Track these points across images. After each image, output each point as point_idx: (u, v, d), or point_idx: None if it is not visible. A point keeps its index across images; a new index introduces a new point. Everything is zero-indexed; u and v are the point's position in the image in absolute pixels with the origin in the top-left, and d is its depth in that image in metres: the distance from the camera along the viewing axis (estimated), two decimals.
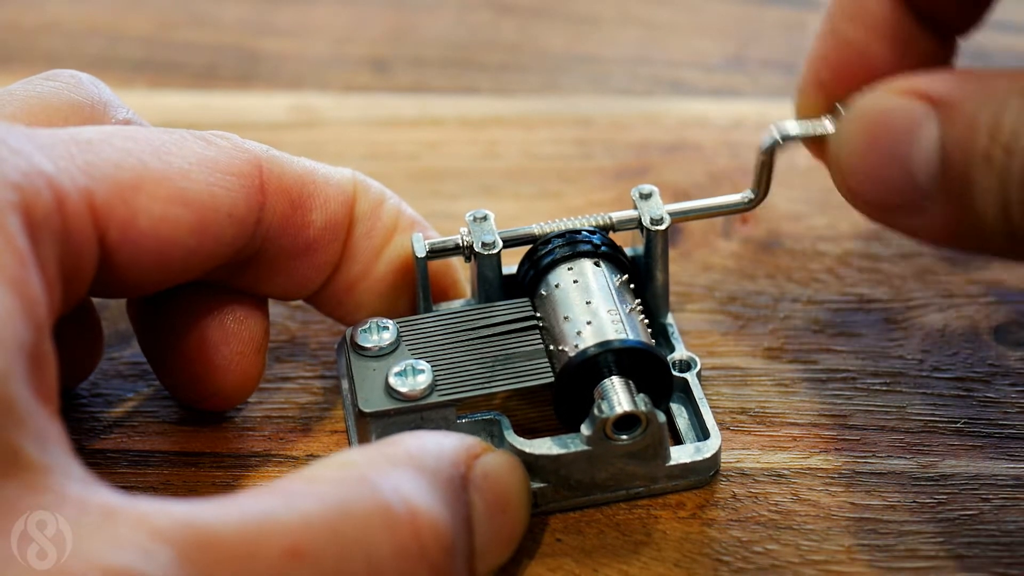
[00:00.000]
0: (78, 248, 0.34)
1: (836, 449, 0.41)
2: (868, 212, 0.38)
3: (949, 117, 0.36)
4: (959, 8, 0.40)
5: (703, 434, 0.40)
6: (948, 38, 0.41)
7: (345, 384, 0.43)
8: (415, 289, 0.42)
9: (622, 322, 0.39)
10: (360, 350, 0.40)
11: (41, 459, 0.30)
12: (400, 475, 0.33)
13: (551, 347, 0.40)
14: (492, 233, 0.42)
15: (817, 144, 0.41)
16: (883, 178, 0.37)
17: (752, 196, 0.42)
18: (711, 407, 0.41)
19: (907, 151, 0.36)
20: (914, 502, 0.39)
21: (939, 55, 0.41)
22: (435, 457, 0.35)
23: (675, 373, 0.41)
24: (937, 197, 0.36)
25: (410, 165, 0.53)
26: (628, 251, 0.43)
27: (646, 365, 0.39)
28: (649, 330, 0.41)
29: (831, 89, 0.40)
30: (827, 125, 0.40)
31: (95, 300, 0.42)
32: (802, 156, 0.52)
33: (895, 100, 0.37)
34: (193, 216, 0.36)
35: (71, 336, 0.41)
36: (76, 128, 0.36)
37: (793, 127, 0.40)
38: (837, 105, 0.39)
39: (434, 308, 0.42)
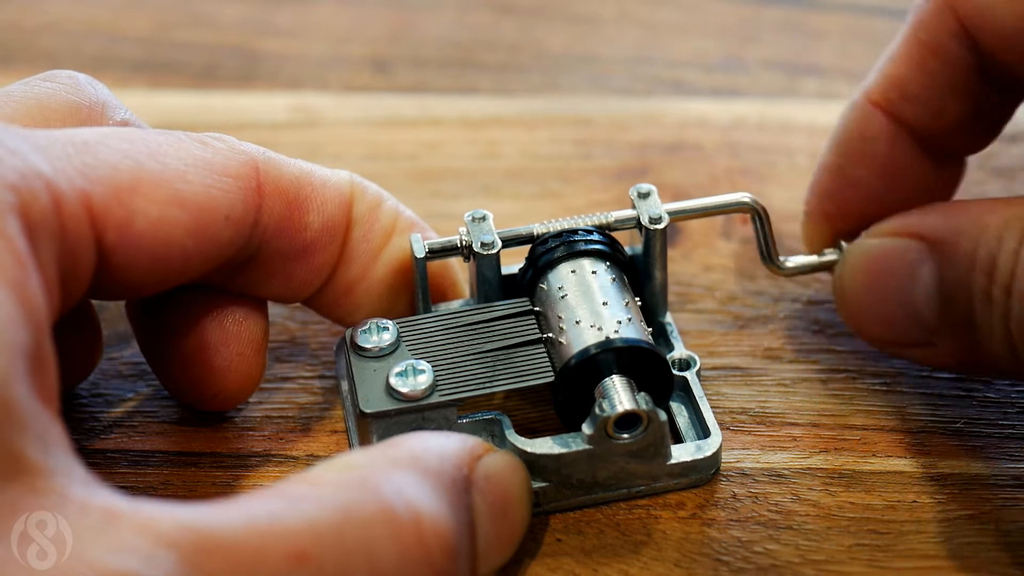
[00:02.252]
0: (75, 250, 0.34)
1: (836, 449, 0.41)
2: (878, 347, 0.41)
3: (945, 257, 0.37)
4: (972, 136, 0.42)
5: (703, 432, 0.40)
6: (958, 160, 0.43)
7: (344, 385, 0.43)
8: (413, 290, 0.42)
9: (622, 321, 0.39)
10: (360, 351, 0.40)
11: (43, 461, 0.30)
12: (403, 477, 0.33)
13: (551, 346, 0.40)
14: (491, 233, 0.42)
15: (828, 270, 0.43)
16: (888, 318, 0.39)
17: (750, 198, 0.43)
18: (711, 407, 0.41)
19: (908, 291, 0.38)
20: (914, 502, 0.39)
21: (947, 178, 0.43)
22: (438, 459, 0.34)
23: (675, 372, 0.41)
24: (943, 332, 0.38)
25: (410, 165, 0.53)
26: (627, 250, 0.43)
27: (646, 364, 0.39)
28: (648, 329, 0.40)
29: (837, 221, 0.43)
30: (829, 259, 0.43)
31: (94, 301, 0.42)
32: (802, 157, 0.52)
33: (891, 242, 0.39)
34: (190, 218, 0.36)
35: (70, 336, 0.41)
36: (73, 129, 0.36)
37: (797, 260, 0.44)
38: (841, 243, 0.42)
39: (433, 308, 0.42)
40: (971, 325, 0.37)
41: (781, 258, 0.44)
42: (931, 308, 0.38)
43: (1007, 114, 0.42)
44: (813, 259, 0.43)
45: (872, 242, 0.40)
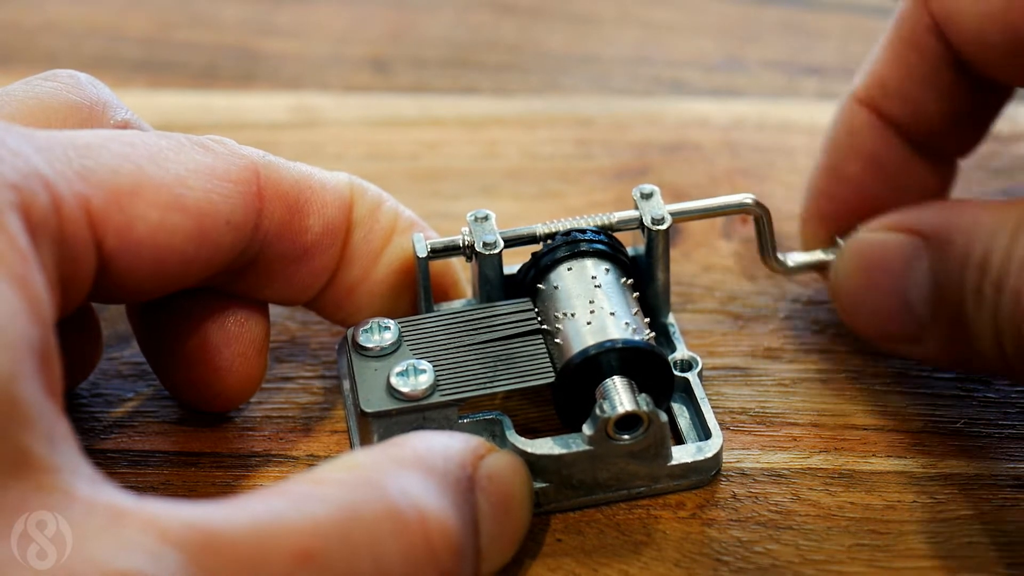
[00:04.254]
0: (75, 253, 0.34)
1: (836, 449, 0.41)
2: (869, 340, 0.41)
3: (940, 252, 0.37)
4: (956, 136, 0.43)
5: (704, 433, 0.40)
6: (946, 162, 0.43)
7: (346, 384, 0.43)
8: (415, 291, 0.42)
9: (623, 321, 0.39)
10: (361, 350, 0.40)
11: (50, 459, 0.30)
12: (408, 477, 0.33)
13: (552, 347, 0.40)
14: (493, 233, 0.42)
15: (823, 272, 0.44)
16: (881, 311, 0.39)
17: (752, 199, 0.43)
18: (712, 407, 0.41)
19: (902, 285, 0.38)
20: (914, 502, 0.39)
21: (937, 180, 0.43)
22: (442, 458, 0.35)
23: (676, 373, 0.41)
24: (933, 328, 0.38)
25: (410, 165, 0.53)
26: (629, 251, 0.43)
27: (647, 364, 0.39)
28: (650, 330, 0.41)
29: (833, 221, 0.43)
30: (827, 257, 0.43)
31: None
32: (802, 157, 0.52)
33: (887, 236, 0.39)
34: (191, 223, 0.36)
35: (70, 337, 0.40)
36: (74, 131, 0.36)
37: (797, 258, 0.44)
38: (837, 239, 0.43)
39: (435, 308, 0.42)
40: (961, 321, 0.37)
41: (781, 256, 0.44)
42: (924, 303, 0.38)
43: (989, 115, 0.42)
44: (812, 256, 0.44)
45: (868, 236, 0.40)
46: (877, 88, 0.42)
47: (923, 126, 0.42)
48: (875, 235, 0.40)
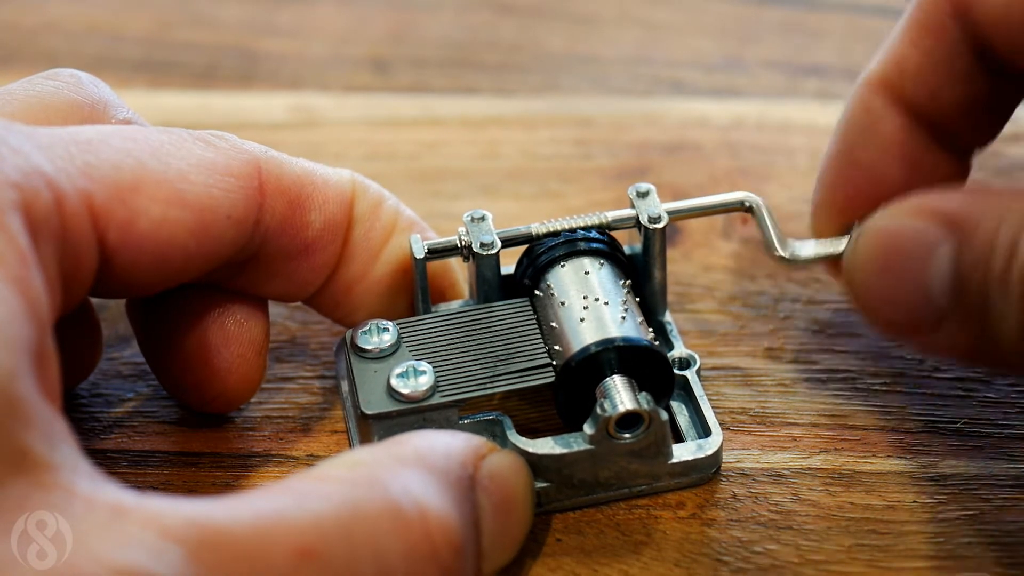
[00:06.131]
0: (77, 249, 0.34)
1: (836, 449, 0.41)
2: (885, 330, 0.39)
3: (965, 238, 0.36)
4: (974, 126, 0.41)
5: (704, 431, 0.40)
6: (963, 154, 0.41)
7: (345, 386, 0.43)
8: (414, 290, 0.42)
9: (622, 320, 0.39)
10: (360, 352, 0.40)
11: (50, 457, 0.30)
12: (410, 475, 0.33)
13: (551, 346, 0.40)
14: (490, 233, 0.42)
15: (834, 264, 0.42)
16: (899, 299, 0.37)
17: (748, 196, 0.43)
18: (711, 407, 0.41)
19: (922, 272, 0.36)
20: (914, 502, 0.39)
21: (954, 171, 0.41)
22: (444, 457, 0.35)
23: (675, 371, 0.41)
24: (953, 318, 0.36)
25: (410, 165, 0.53)
26: (627, 249, 0.43)
27: (647, 363, 0.39)
28: (648, 328, 0.41)
29: (846, 209, 0.41)
30: (841, 246, 0.41)
31: (94, 300, 0.42)
32: (802, 157, 0.52)
33: (908, 220, 0.37)
34: (192, 218, 0.36)
35: (70, 336, 0.40)
36: (75, 128, 0.36)
37: (808, 248, 0.41)
38: (854, 226, 0.40)
39: (433, 309, 0.42)
40: (984, 311, 0.35)
41: (790, 246, 0.42)
42: (944, 291, 0.36)
43: (1007, 105, 0.41)
44: (825, 246, 0.41)
45: (888, 220, 0.38)
46: (894, 71, 0.40)
47: (940, 112, 0.40)
48: (895, 219, 0.38)
